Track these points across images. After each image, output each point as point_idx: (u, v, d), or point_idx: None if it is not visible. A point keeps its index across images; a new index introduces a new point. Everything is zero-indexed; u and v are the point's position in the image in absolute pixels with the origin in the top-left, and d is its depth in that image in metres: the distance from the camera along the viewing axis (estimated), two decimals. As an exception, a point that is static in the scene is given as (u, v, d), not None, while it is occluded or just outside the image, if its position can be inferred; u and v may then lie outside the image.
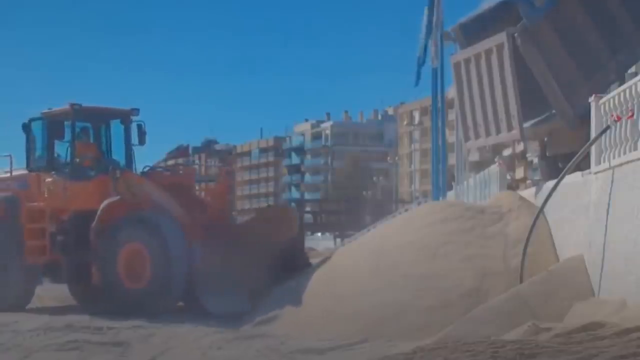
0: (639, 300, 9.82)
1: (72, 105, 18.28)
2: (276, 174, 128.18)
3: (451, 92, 25.30)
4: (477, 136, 17.39)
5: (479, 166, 31.11)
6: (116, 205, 17.39)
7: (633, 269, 10.18)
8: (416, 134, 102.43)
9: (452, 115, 26.73)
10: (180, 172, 19.40)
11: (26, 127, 18.86)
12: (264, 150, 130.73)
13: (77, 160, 18.46)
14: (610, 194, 11.29)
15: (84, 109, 18.48)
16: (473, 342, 9.02)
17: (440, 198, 23.76)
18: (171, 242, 16.70)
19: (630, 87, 11.15)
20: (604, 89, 14.40)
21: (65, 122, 18.37)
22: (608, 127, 11.82)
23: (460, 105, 17.80)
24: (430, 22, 23.39)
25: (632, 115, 10.99)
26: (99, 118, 19.23)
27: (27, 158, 18.92)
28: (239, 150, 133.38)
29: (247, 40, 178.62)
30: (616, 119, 11.49)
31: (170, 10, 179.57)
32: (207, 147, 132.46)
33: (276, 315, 14.56)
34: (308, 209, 21.53)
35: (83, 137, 18.91)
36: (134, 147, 19.14)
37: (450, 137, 28.52)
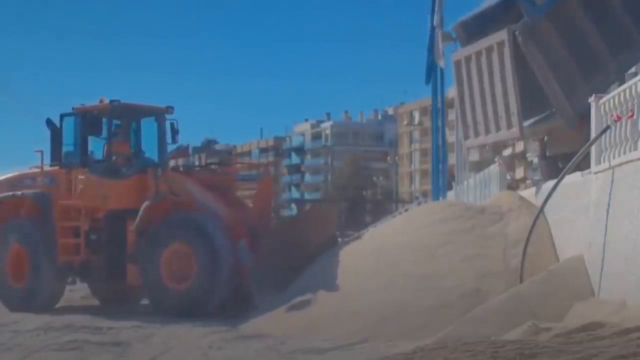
0: (639, 300, 9.81)
1: (112, 101, 17.86)
2: (276, 174, 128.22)
3: (451, 92, 25.32)
4: (476, 134, 17.38)
5: (479, 166, 31.14)
6: (159, 205, 17.08)
7: (633, 269, 10.18)
8: (416, 134, 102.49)
9: (452, 115, 26.75)
10: (219, 171, 18.96)
11: (51, 123, 18.25)
12: (264, 150, 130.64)
13: (114, 157, 17.99)
14: (610, 194, 11.29)
15: (122, 106, 18.04)
16: (473, 342, 9.02)
17: (440, 198, 23.79)
18: (217, 242, 16.33)
19: (630, 87, 11.14)
20: (604, 89, 14.40)
21: (103, 119, 17.92)
22: (608, 127, 11.82)
23: (461, 104, 17.79)
24: (433, 23, 23.53)
25: (632, 115, 10.99)
26: (134, 115, 18.78)
27: (52, 154, 18.27)
28: (239, 150, 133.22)
29: (247, 41, 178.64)
30: (616, 118, 11.48)
31: (170, 11, 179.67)
32: (207, 147, 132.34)
33: (277, 314, 14.54)
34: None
35: (118, 134, 18.43)
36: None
37: (450, 137, 28.53)
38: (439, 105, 25.10)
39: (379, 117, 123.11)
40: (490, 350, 8.29)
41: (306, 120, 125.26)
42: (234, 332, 13.93)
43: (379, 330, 12.62)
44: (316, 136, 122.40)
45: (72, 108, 18.27)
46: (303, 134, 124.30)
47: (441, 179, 24.96)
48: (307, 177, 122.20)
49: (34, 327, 14.70)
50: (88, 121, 17.92)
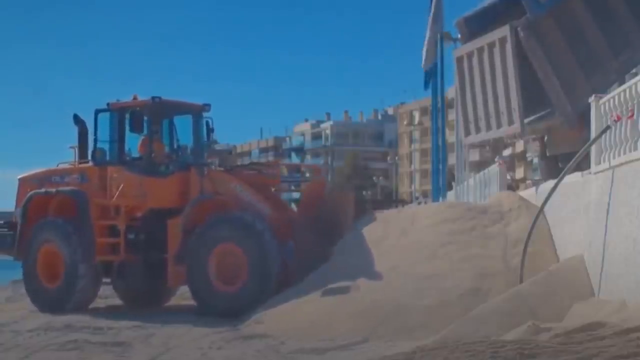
0: (639, 300, 9.82)
1: (153, 98, 17.23)
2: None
3: (451, 92, 25.34)
4: (477, 130, 17.37)
5: (479, 166, 31.16)
6: (204, 204, 16.81)
7: (633, 269, 10.18)
8: (416, 134, 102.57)
9: (452, 115, 26.76)
10: (264, 171, 18.44)
11: (79, 119, 17.78)
12: (264, 150, 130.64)
13: (154, 155, 17.52)
14: (610, 194, 11.29)
15: (162, 102, 17.41)
16: (473, 342, 9.02)
17: (440, 198, 23.81)
18: (267, 244, 15.90)
19: (630, 87, 11.15)
20: (604, 89, 14.41)
21: (144, 116, 17.23)
22: (608, 127, 11.82)
23: (462, 100, 17.76)
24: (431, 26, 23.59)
25: (632, 115, 10.99)
26: (172, 112, 18.30)
27: (80, 151, 17.83)
28: (239, 150, 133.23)
29: (247, 41, 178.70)
30: (616, 118, 11.49)
31: (170, 12, 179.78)
32: (208, 146, 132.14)
33: (277, 314, 14.53)
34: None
35: (158, 131, 17.92)
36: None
37: (450, 137, 28.55)
38: (439, 105, 25.12)
39: (379, 117, 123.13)
40: (490, 350, 8.29)
41: (306, 120, 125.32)
42: (234, 332, 13.92)
43: (379, 330, 12.62)
44: (316, 136, 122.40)
45: (107, 104, 17.64)
46: (303, 134, 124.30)
47: (441, 179, 24.98)
48: (307, 177, 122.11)
49: (34, 327, 14.69)
50: (128, 118, 17.34)
